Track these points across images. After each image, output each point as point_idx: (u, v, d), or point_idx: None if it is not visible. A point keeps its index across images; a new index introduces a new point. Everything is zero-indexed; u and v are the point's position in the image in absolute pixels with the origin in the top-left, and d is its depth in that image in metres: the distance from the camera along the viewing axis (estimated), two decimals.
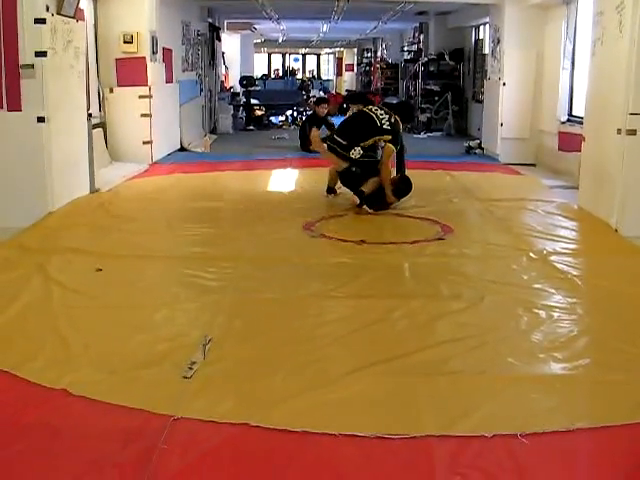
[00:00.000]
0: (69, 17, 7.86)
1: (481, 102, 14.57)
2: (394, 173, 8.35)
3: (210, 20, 17.35)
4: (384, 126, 7.98)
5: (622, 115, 6.96)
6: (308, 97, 22.96)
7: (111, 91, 11.30)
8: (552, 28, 11.74)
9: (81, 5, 8.42)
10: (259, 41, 29.72)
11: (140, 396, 3.52)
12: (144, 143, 11.44)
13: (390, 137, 8.00)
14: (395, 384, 3.71)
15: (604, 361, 4.06)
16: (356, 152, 8.01)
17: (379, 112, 8.10)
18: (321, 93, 24.60)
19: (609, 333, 4.46)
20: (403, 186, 8.18)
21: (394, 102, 8.24)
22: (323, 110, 14.22)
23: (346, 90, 31.60)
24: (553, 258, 6.12)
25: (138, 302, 4.99)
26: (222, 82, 20.66)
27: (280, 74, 38.04)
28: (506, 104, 12.27)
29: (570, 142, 10.32)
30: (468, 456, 3.04)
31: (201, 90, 16.36)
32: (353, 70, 36.79)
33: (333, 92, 29.40)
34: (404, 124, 8.51)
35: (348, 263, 6.04)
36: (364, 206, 8.02)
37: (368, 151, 8.02)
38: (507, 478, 2.92)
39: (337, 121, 15.83)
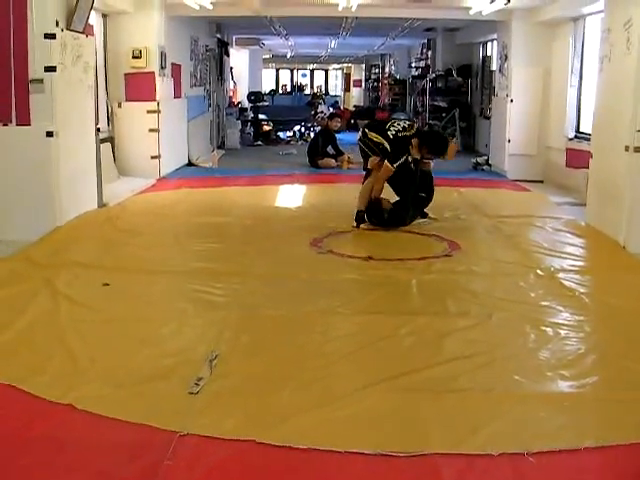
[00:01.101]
0: (79, 32, 7.91)
1: (489, 118, 14.58)
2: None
3: (219, 36, 17.43)
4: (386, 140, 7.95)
5: (630, 132, 6.96)
6: (316, 113, 23.02)
7: (119, 106, 11.35)
8: (560, 45, 11.76)
9: (90, 20, 8.47)
10: (267, 57, 29.83)
11: (146, 411, 3.51)
12: (152, 158, 11.47)
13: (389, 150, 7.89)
14: (402, 401, 3.69)
15: (612, 379, 4.05)
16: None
17: (394, 127, 8.02)
18: (330, 109, 24.64)
19: (617, 351, 4.44)
20: (392, 219, 8.00)
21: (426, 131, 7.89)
22: (336, 124, 14.41)
23: (354, 106, 31.66)
24: (561, 275, 6.11)
25: (145, 317, 4.99)
26: (230, 97, 20.72)
27: (288, 89, 38.15)
28: (514, 121, 12.28)
29: (578, 159, 10.31)
30: (475, 474, 3.03)
31: (209, 105, 16.41)
32: (361, 86, 36.88)
33: (341, 108, 29.44)
34: (434, 156, 8.23)
35: (355, 279, 6.04)
36: (361, 224, 7.99)
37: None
38: None
39: (344, 138, 15.93)
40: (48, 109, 7.29)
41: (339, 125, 14.70)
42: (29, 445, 3.22)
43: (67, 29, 7.61)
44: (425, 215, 8.31)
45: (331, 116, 15.40)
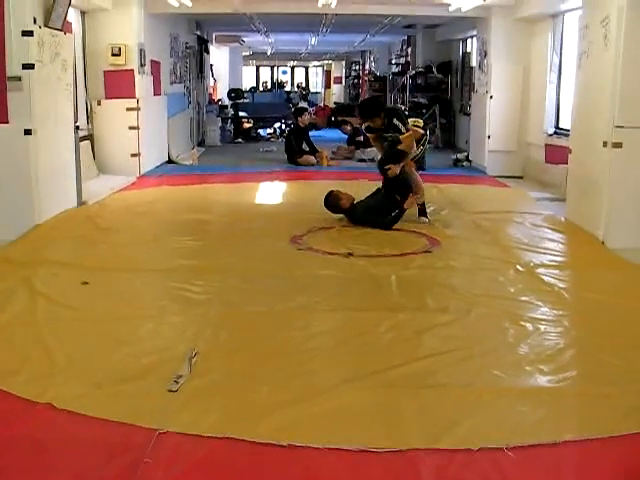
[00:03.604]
0: (57, 29, 7.85)
1: (468, 115, 14.62)
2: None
3: (198, 33, 17.39)
4: None
5: (608, 128, 7.00)
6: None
7: (99, 103, 11.28)
8: (539, 41, 11.82)
9: (69, 17, 8.42)
10: (248, 54, 29.79)
11: (125, 410, 3.50)
12: (132, 155, 11.42)
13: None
14: (381, 397, 3.70)
15: (590, 373, 4.07)
16: None
17: None
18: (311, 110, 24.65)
19: (595, 345, 4.47)
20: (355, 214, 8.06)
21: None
22: (305, 119, 14.15)
23: (334, 103, 31.67)
24: (540, 270, 6.14)
25: (124, 315, 4.96)
26: (210, 95, 20.67)
27: (269, 87, 38.09)
28: (493, 117, 12.31)
29: (557, 154, 10.36)
30: (454, 469, 3.03)
31: (189, 103, 16.36)
32: (341, 82, 36.93)
33: (321, 105, 29.43)
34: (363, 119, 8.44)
35: (335, 276, 6.04)
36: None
37: None
38: None
39: (325, 134, 15.83)
40: (26, 107, 7.23)
41: (308, 119, 14.36)
42: (8, 445, 3.20)
43: (45, 26, 7.55)
44: (425, 215, 8.25)
45: (298, 111, 14.71)
